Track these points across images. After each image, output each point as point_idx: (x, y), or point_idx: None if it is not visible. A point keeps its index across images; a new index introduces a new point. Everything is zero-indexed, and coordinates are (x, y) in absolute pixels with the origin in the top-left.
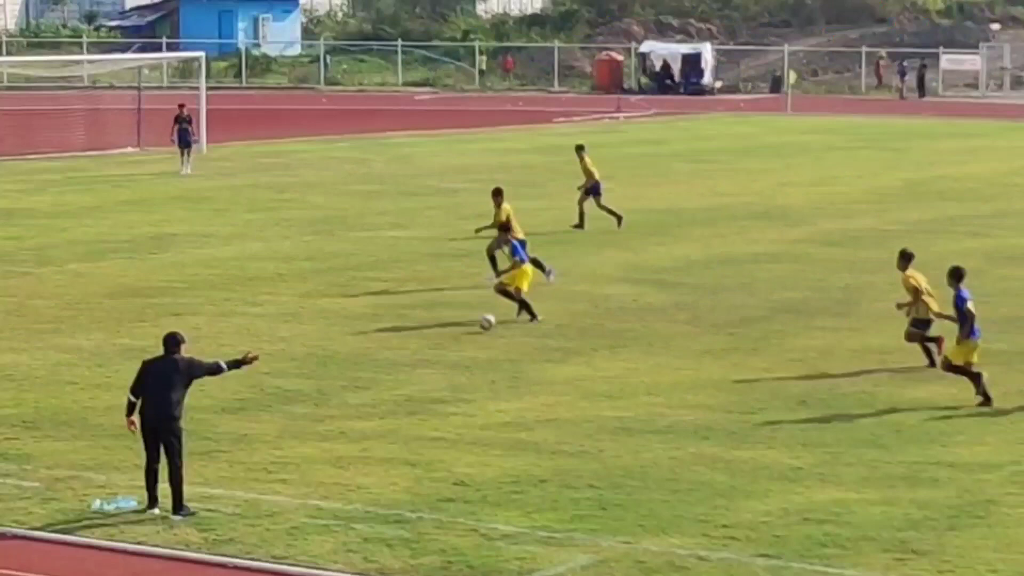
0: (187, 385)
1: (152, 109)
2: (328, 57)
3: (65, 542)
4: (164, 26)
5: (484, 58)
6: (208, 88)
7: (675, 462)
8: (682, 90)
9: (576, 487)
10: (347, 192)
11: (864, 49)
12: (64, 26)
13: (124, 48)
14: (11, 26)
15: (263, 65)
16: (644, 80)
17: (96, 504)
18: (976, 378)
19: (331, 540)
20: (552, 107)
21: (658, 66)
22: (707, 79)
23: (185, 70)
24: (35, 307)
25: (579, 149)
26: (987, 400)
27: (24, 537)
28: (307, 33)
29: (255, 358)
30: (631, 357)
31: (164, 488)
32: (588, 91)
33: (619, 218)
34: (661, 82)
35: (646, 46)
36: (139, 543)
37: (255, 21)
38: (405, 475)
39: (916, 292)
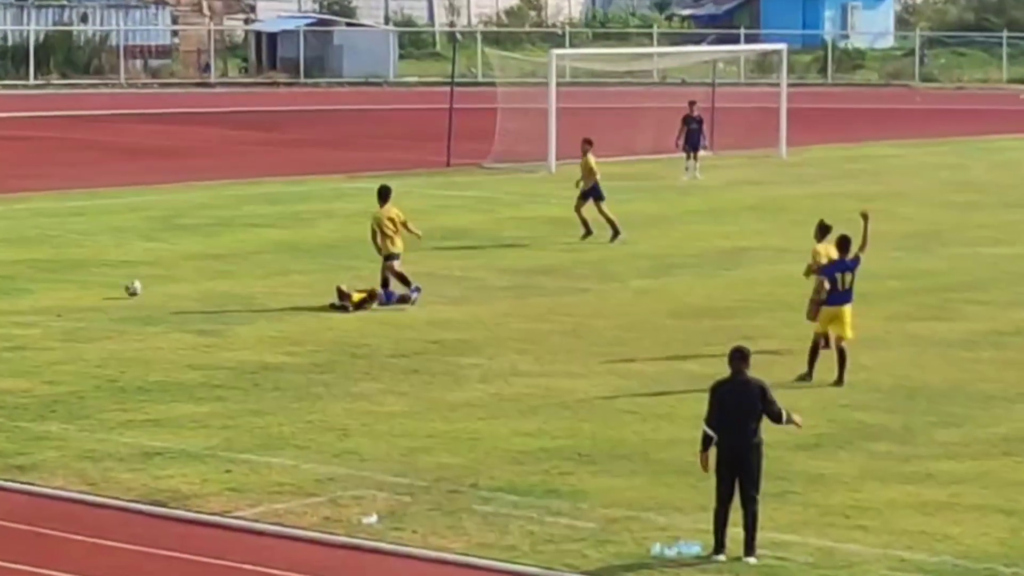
0: (763, 414)
1: (726, 108)
2: (924, 50)
3: None
4: (743, 15)
5: None
6: (789, 85)
7: None
8: None
9: None
10: (942, 203)
11: None
12: (633, 15)
13: (698, 40)
14: (576, 15)
15: (851, 59)
16: None
17: (656, 549)
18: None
19: None
20: None
21: None
22: None
23: (764, 64)
24: (594, 328)
25: (585, 143)
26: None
27: None
28: (901, 23)
29: (798, 424)
30: None
31: (734, 533)
32: None
33: (616, 231)
34: None
35: None
36: None
37: (843, 10)
38: (999, 524)
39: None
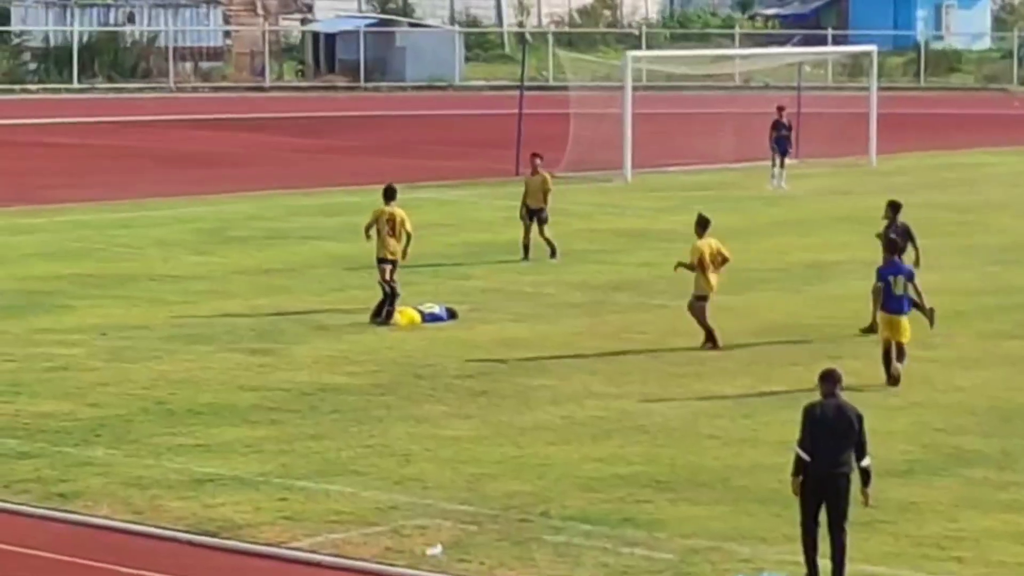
0: (855, 441)
1: (813, 113)
2: (1023, 52)
3: None
4: (830, 15)
5: None
6: (879, 88)
7: None
8: None
9: None
10: None
11: None
12: (714, 15)
13: (783, 41)
14: (653, 15)
15: (946, 61)
16: None
17: None
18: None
19: None
20: None
21: None
22: None
23: (853, 67)
24: (672, 347)
25: (534, 156)
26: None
27: None
28: (998, 23)
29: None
30: None
31: (822, 564)
32: None
33: (553, 249)
34: None
35: None
36: None
37: (938, 9)
38: None
39: (700, 261)
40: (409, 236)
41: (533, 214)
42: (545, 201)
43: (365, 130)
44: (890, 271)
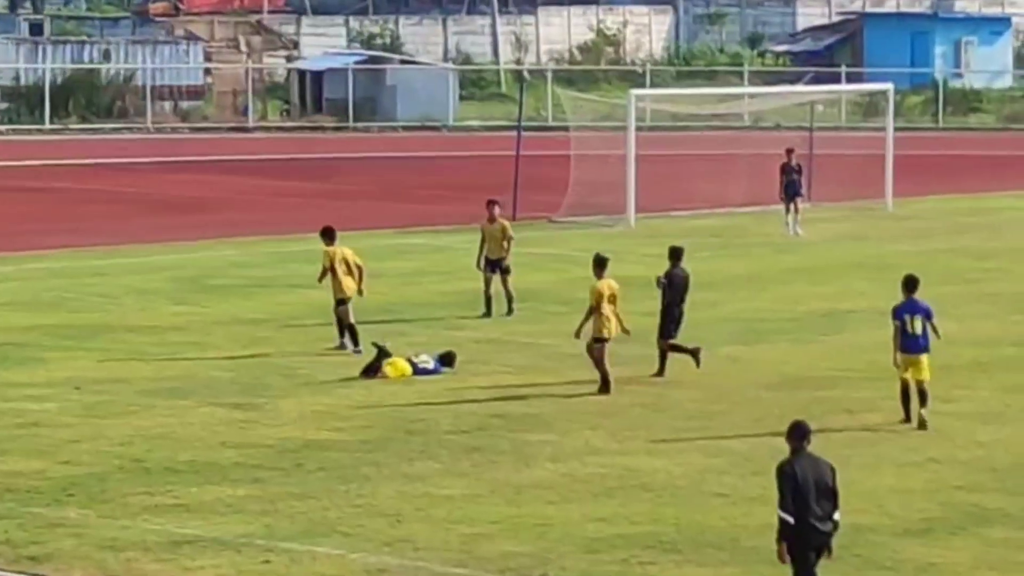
0: (835, 494)
1: (826, 155)
2: None
3: None
4: (844, 52)
5: None
6: (896, 129)
7: None
8: None
9: None
10: None
11: None
12: (722, 51)
13: (794, 79)
14: (657, 52)
15: (966, 101)
16: None
17: None
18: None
19: None
20: None
21: None
22: None
23: (868, 106)
24: (677, 399)
25: (491, 204)
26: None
27: None
28: (1020, 61)
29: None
30: None
31: None
32: None
33: (511, 303)
34: None
35: None
36: None
37: (956, 46)
38: None
39: (598, 303)
40: (361, 269)
41: (494, 265)
42: (507, 250)
43: (354, 173)
44: (906, 310)
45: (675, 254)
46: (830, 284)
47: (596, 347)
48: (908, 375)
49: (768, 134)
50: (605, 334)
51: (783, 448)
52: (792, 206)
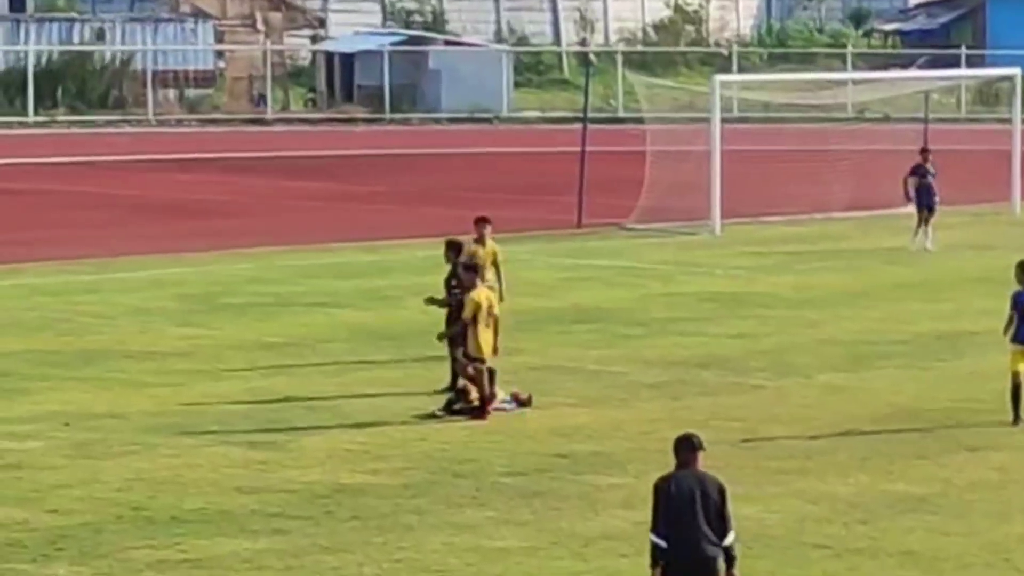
0: (723, 516)
1: (943, 151)
2: None
3: None
4: (964, 31)
5: None
6: None
7: None
8: None
9: None
10: None
11: None
12: (820, 31)
13: (905, 62)
14: (746, 30)
15: None
16: None
17: None
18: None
19: None
20: None
21: None
22: None
23: (990, 94)
24: (770, 435)
25: (481, 222)
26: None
27: None
28: None
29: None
30: None
31: None
32: None
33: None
34: None
35: None
36: None
37: None
38: None
39: (474, 317)
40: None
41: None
42: (498, 275)
43: (390, 172)
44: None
45: None
46: (947, 301)
47: (472, 367)
48: (1020, 367)
49: (875, 127)
50: (480, 354)
51: (896, 492)
52: (925, 217)
